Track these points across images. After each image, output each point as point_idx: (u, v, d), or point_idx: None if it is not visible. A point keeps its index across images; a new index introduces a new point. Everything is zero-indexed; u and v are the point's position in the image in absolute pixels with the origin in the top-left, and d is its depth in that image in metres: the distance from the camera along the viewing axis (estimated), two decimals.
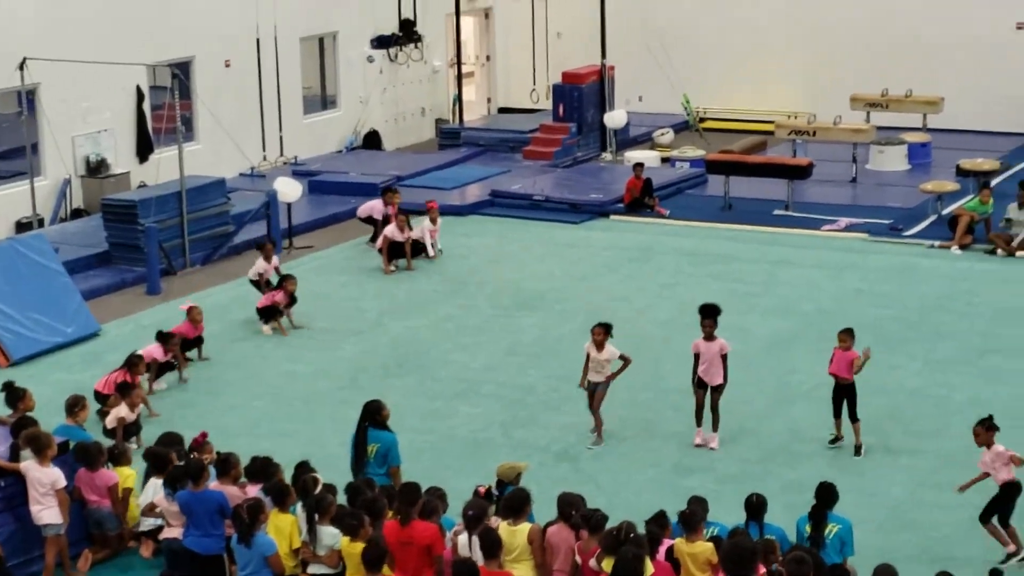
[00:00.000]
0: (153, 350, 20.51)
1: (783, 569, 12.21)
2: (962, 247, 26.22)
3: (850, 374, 17.79)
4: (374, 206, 26.82)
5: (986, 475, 15.21)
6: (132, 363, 19.47)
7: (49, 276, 23.13)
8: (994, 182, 27.88)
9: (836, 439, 18.05)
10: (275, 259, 23.62)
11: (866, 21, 35.81)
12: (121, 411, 18.31)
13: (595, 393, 18.25)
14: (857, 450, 17.77)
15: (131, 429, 18.33)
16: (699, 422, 18.21)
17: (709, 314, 18.01)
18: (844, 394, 17.86)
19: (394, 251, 25.70)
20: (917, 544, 15.32)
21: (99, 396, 18.99)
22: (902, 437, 18.29)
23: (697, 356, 18.09)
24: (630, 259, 26.36)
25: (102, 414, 18.59)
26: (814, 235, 27.58)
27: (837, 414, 18.00)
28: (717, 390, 18.07)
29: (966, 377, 20.00)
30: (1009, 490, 15.09)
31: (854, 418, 17.85)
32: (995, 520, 15.19)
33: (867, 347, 17.71)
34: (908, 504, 16.46)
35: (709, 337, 17.94)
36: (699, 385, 18.14)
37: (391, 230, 25.71)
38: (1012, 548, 14.95)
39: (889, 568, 12.24)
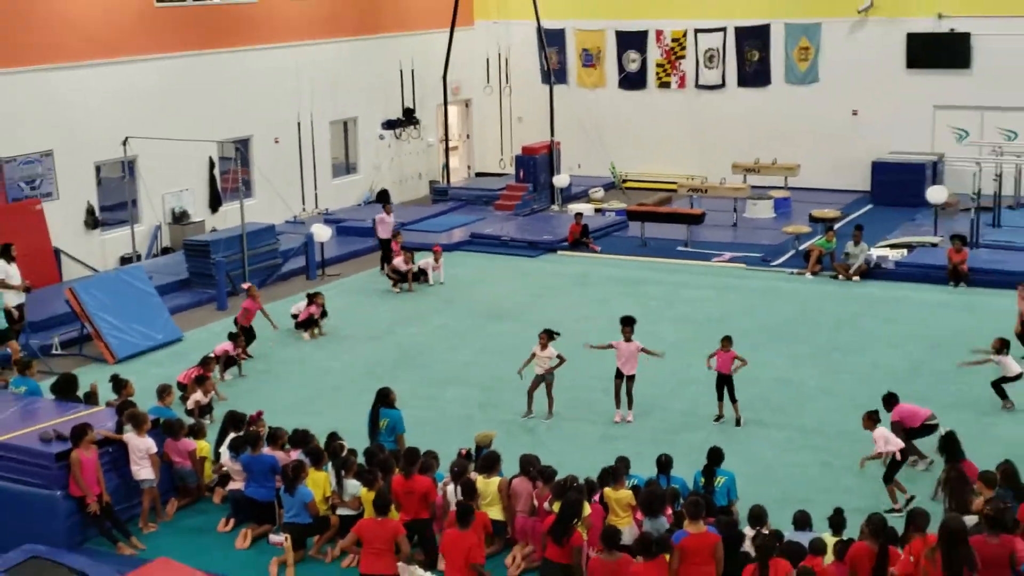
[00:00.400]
0: (225, 346, 20.60)
1: (684, 510, 12.27)
2: (813, 274, 26.30)
3: (728, 369, 17.94)
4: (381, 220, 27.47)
5: (879, 454, 15.25)
6: (205, 362, 19.51)
7: (145, 297, 23.12)
8: (836, 226, 28.00)
9: (719, 418, 18.21)
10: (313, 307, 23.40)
11: (743, 110, 35.94)
12: (197, 396, 18.38)
13: (538, 381, 18.38)
14: (737, 422, 17.91)
15: (205, 410, 18.34)
16: (617, 404, 18.32)
17: (627, 323, 18.30)
18: (724, 383, 18.04)
19: (401, 277, 25.89)
20: (781, 492, 15.40)
21: (180, 386, 18.98)
22: (770, 414, 18.43)
23: (617, 353, 18.35)
24: (572, 283, 26.41)
25: (183, 399, 18.59)
26: (706, 265, 27.60)
27: (720, 398, 18.16)
28: (631, 379, 18.23)
29: (816, 369, 20.15)
30: (902, 456, 15.24)
31: (733, 399, 18.03)
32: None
33: (744, 361, 17.95)
34: (775, 463, 16.61)
35: (627, 339, 18.13)
36: (617, 375, 18.26)
37: (398, 262, 25.87)
38: (898, 505, 14.96)
39: (760, 508, 12.32)
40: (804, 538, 12.59)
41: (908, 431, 15.83)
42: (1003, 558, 11.32)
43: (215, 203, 29.89)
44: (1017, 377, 18.42)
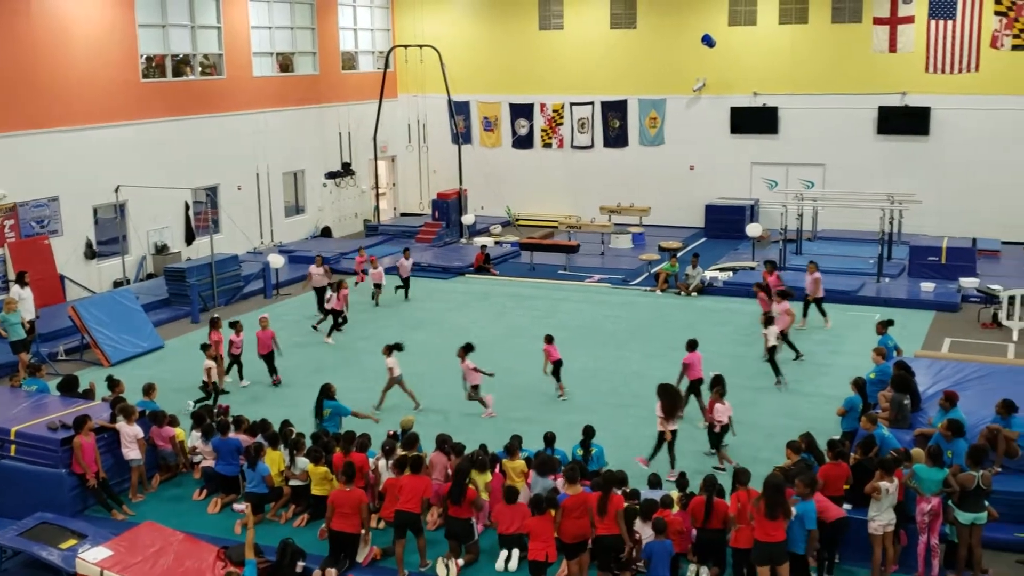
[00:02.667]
0: (233, 338, 19.78)
1: (564, 475, 12.33)
2: (662, 291, 26.63)
3: (556, 356, 18.65)
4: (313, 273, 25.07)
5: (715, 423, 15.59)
6: (212, 322, 19.70)
7: (133, 313, 22.71)
8: (679, 254, 28.39)
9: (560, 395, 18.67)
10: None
11: (607, 164, 36.32)
12: (207, 363, 18.36)
13: (392, 383, 18.23)
14: (557, 391, 17.95)
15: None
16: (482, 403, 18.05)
17: (466, 349, 18.02)
18: (556, 368, 18.65)
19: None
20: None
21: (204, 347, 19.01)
22: (630, 398, 18.54)
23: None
24: (477, 300, 26.38)
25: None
26: (580, 285, 27.78)
27: (556, 376, 18.63)
28: (475, 387, 18.02)
29: (663, 363, 20.11)
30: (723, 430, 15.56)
31: (558, 377, 18.68)
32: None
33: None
34: (632, 436, 16.68)
35: (462, 359, 17.94)
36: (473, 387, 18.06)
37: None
38: (723, 466, 15.23)
39: (622, 473, 12.40)
40: (657, 495, 12.77)
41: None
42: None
43: (190, 237, 29.40)
44: (774, 348, 19.34)
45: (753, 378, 19.51)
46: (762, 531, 11.25)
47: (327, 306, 23.29)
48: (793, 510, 11.41)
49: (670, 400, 15.14)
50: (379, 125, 35.38)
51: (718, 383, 15.56)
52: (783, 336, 20.34)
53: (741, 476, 11.97)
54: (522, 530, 12.03)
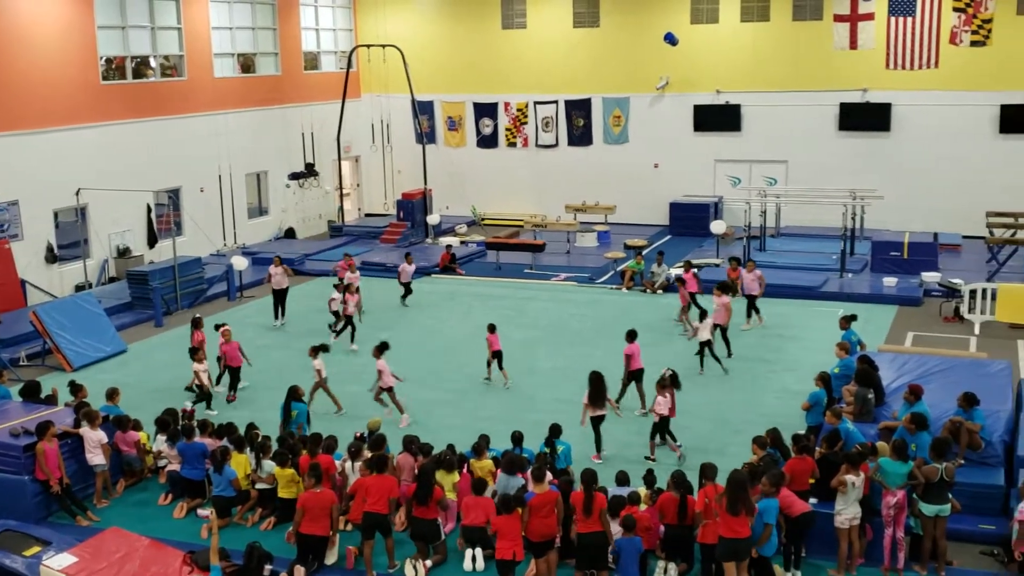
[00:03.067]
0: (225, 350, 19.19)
1: (531, 474, 12.34)
2: (627, 288, 26.75)
3: (497, 346, 19.06)
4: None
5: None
6: (194, 323, 19.60)
7: (95, 317, 22.47)
8: (644, 251, 28.52)
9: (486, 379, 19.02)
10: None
11: (572, 163, 36.38)
12: (196, 366, 18.17)
13: (318, 385, 18.11)
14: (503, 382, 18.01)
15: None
16: (381, 403, 17.77)
17: (381, 348, 17.81)
18: (497, 357, 19.00)
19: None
20: (609, 455, 15.62)
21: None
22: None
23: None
24: (443, 299, 26.35)
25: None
26: (547, 283, 27.82)
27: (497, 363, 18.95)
28: (389, 389, 17.67)
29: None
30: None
31: (500, 367, 19.13)
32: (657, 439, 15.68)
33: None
34: (603, 434, 16.68)
35: (377, 357, 17.69)
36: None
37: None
38: (653, 456, 15.38)
39: (591, 472, 12.38)
40: (625, 492, 12.81)
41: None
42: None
43: (152, 240, 29.17)
44: (708, 342, 19.59)
45: (718, 375, 19.61)
46: (727, 527, 11.32)
47: (345, 311, 22.14)
48: (756, 507, 11.50)
49: (594, 387, 15.54)
50: (342, 125, 35.24)
51: (667, 379, 15.75)
52: (722, 331, 20.50)
53: (708, 471, 12.05)
54: (489, 526, 12.04)
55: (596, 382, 15.60)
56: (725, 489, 11.37)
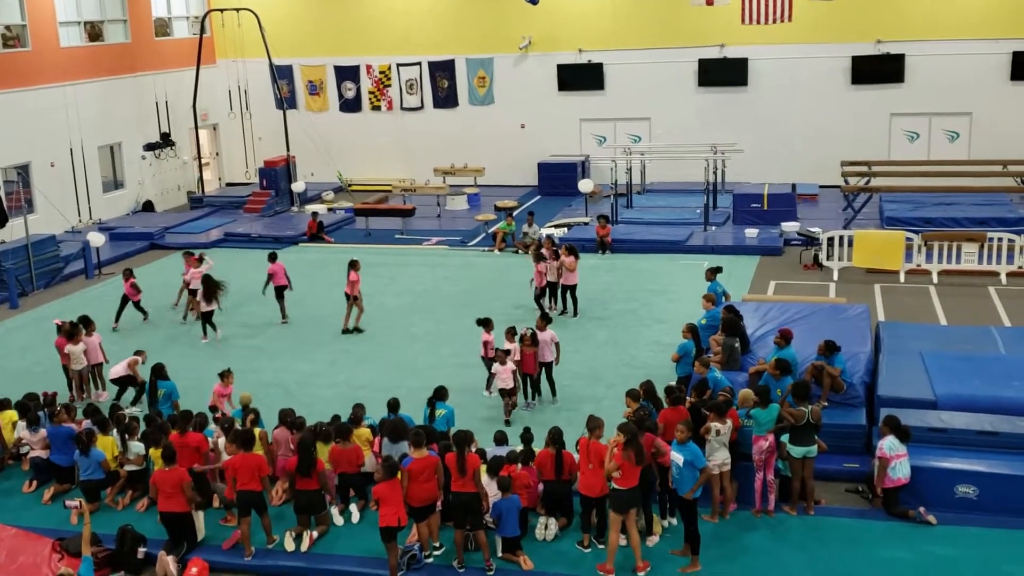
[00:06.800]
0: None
1: (410, 440, 12.27)
2: (500, 250, 26.90)
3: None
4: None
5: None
6: (125, 274, 21.08)
7: None
8: (514, 212, 28.68)
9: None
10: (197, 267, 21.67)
11: (438, 126, 36.21)
12: (133, 358, 17.01)
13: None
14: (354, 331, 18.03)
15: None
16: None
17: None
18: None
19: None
20: (487, 417, 15.72)
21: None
22: (473, 358, 18.36)
23: None
24: (313, 269, 25.93)
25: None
26: (418, 248, 27.75)
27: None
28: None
29: (505, 319, 19.71)
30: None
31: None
32: None
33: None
34: (480, 396, 16.77)
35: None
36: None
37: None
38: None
39: (466, 432, 12.29)
40: (503, 451, 12.94)
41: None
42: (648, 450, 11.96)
43: (2, 219, 27.87)
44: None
45: (590, 330, 19.90)
46: (625, 479, 11.41)
47: (198, 308, 20.64)
48: (678, 455, 11.68)
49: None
50: (198, 93, 34.26)
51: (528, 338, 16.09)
52: (571, 290, 20.98)
53: (590, 423, 12.03)
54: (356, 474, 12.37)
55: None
56: (628, 441, 11.36)
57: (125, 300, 21.31)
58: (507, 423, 15.50)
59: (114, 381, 16.99)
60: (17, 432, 14.72)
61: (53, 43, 30.40)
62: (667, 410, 12.96)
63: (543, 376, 16.51)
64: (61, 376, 17.69)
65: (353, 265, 20.32)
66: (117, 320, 21.29)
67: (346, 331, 20.28)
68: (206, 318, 20.41)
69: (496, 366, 15.84)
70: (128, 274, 21.49)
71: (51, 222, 28.96)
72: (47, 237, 25.89)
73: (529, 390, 16.36)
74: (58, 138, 30.25)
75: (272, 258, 21.80)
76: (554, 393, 16.54)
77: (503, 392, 15.87)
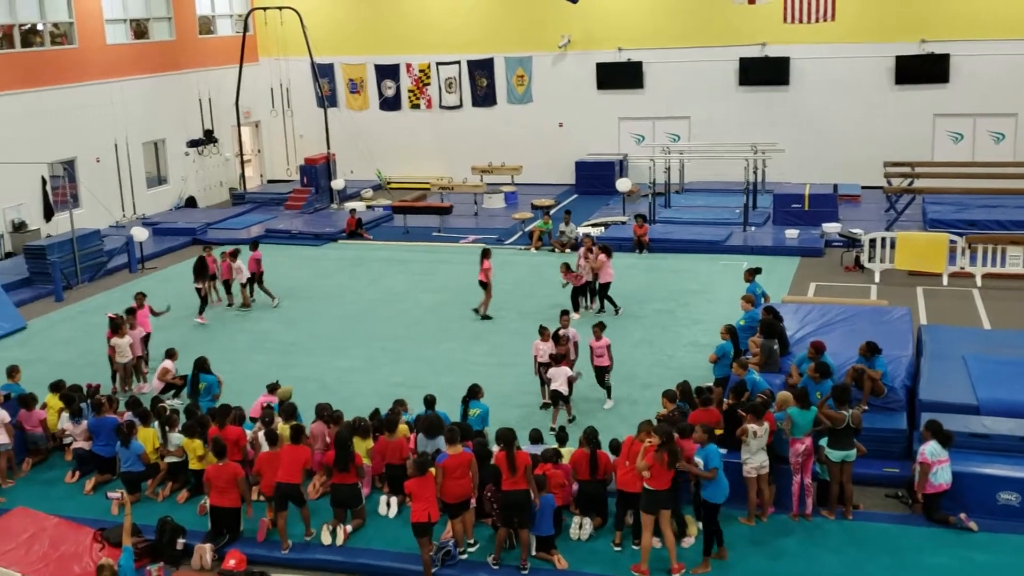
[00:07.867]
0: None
1: (445, 437, 12.31)
2: (536, 249, 26.85)
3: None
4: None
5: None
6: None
7: None
8: (551, 211, 28.64)
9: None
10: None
11: (476, 124, 36.27)
12: (166, 363, 16.87)
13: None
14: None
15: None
16: None
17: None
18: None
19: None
20: (521, 416, 15.66)
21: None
22: (509, 356, 18.53)
23: None
24: (351, 265, 26.08)
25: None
26: (456, 246, 27.73)
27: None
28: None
29: (540, 318, 19.75)
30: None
31: None
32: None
33: None
34: (514, 394, 16.76)
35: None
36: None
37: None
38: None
39: (510, 430, 12.34)
40: (538, 450, 12.90)
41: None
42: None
43: (48, 213, 28.32)
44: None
45: (630, 331, 19.82)
46: (656, 480, 11.34)
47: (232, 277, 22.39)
48: (698, 459, 11.62)
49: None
50: (240, 90, 34.53)
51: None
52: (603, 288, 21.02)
53: (641, 427, 11.90)
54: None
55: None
56: (663, 443, 11.30)
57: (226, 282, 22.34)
58: (552, 429, 14.81)
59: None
60: (60, 424, 14.92)
61: (100, 41, 30.77)
62: (698, 411, 12.86)
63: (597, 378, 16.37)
64: (105, 368, 17.92)
65: (486, 254, 20.78)
66: (229, 295, 22.43)
67: (485, 317, 20.75)
68: (207, 294, 21.81)
69: (552, 370, 15.64)
70: (208, 250, 22.21)
71: (96, 217, 29.28)
72: (92, 232, 26.18)
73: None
74: (103, 134, 30.60)
75: (254, 247, 22.77)
76: (609, 395, 16.38)
77: (556, 395, 15.53)
